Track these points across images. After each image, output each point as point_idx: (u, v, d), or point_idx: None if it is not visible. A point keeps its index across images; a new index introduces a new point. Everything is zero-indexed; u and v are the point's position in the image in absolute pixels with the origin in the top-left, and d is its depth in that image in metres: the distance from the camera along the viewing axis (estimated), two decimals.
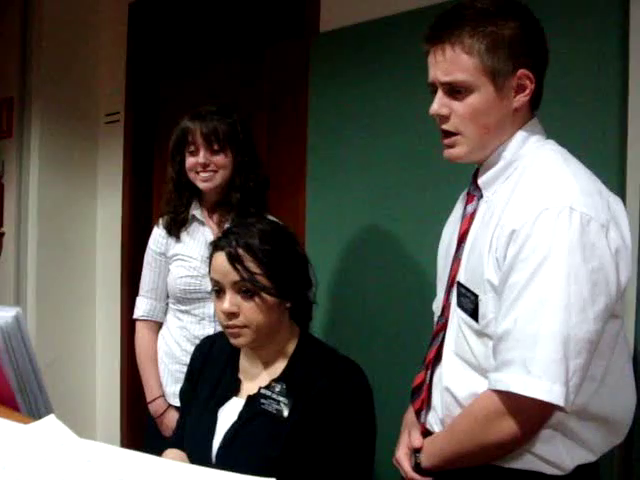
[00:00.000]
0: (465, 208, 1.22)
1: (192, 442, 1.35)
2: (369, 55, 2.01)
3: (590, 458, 1.10)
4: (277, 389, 1.29)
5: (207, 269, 1.71)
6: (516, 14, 1.10)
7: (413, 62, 1.84)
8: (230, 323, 1.29)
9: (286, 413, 1.26)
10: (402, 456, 1.23)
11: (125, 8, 2.88)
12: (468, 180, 1.25)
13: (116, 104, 2.92)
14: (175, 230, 1.80)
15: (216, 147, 1.73)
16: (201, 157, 1.73)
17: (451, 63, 1.09)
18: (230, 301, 1.28)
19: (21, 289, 2.86)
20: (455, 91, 1.11)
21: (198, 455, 1.32)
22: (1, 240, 2.96)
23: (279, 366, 1.33)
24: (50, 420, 0.72)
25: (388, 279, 1.96)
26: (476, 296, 1.11)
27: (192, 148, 1.75)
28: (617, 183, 1.48)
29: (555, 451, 1.08)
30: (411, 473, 1.19)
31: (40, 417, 0.81)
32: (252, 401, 1.30)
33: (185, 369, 1.67)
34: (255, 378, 1.35)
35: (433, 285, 1.35)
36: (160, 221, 1.85)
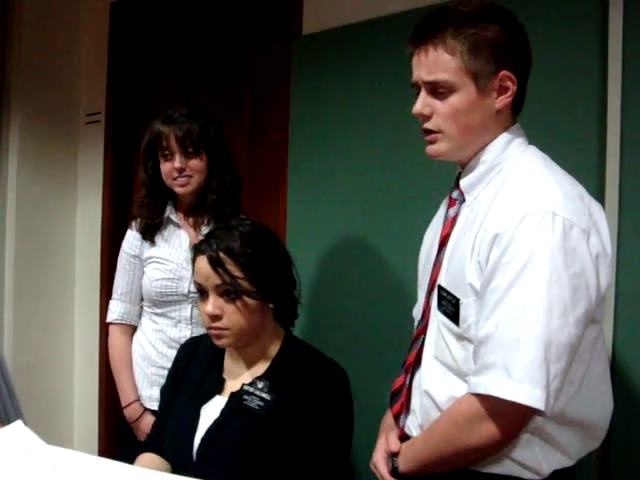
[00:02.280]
0: (447, 212, 1.22)
1: (174, 439, 1.36)
2: (351, 58, 2.02)
3: (567, 463, 1.10)
4: (260, 386, 1.31)
5: (183, 272, 1.73)
6: (499, 18, 1.11)
7: (395, 65, 1.85)
8: (213, 325, 1.31)
9: (267, 410, 1.27)
10: (379, 460, 1.22)
11: (107, 7, 2.86)
12: (450, 184, 1.25)
13: (97, 104, 2.89)
14: (150, 235, 1.78)
15: (190, 150, 1.71)
16: (177, 162, 1.70)
17: (434, 63, 1.11)
18: (213, 304, 1.30)
19: None
20: (437, 91, 1.12)
21: (179, 452, 1.33)
22: None
23: (263, 365, 1.35)
24: (17, 426, 0.70)
25: (369, 282, 1.96)
26: (457, 299, 1.11)
27: (166, 153, 1.72)
28: (595, 189, 1.49)
29: (532, 456, 1.08)
30: (388, 477, 1.19)
31: (9, 423, 0.79)
32: (235, 398, 1.32)
33: (162, 372, 1.67)
34: (239, 377, 1.36)
35: (413, 288, 1.35)
36: (133, 224, 1.82)
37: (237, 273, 1.28)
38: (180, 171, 1.71)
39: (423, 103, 1.14)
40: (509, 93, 1.12)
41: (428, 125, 1.14)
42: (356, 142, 2.00)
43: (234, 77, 2.48)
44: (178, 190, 1.74)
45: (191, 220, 1.80)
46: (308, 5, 2.17)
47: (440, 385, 1.14)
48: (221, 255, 1.28)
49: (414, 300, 1.37)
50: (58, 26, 2.88)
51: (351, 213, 2.01)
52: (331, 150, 2.06)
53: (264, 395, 1.29)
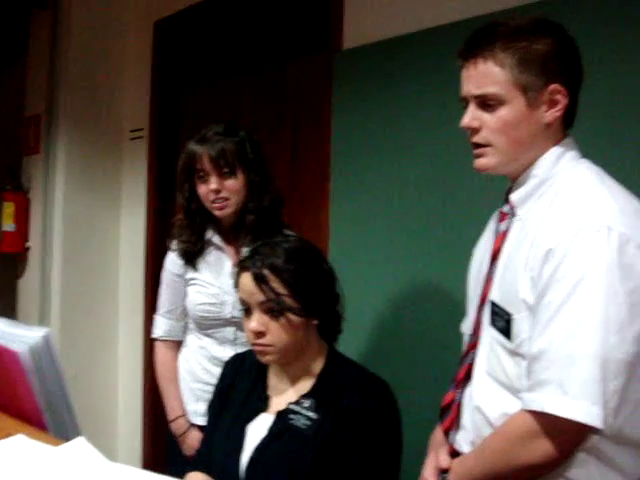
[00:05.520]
0: (498, 226, 1.21)
1: (221, 457, 1.36)
2: (392, 72, 2.01)
3: None
4: (306, 404, 1.30)
5: (225, 297, 1.71)
6: (549, 31, 1.11)
7: (436, 79, 1.86)
8: (257, 342, 1.31)
9: (314, 429, 1.26)
10: (429, 477, 1.21)
11: (150, 26, 2.93)
12: (495, 197, 1.24)
13: (140, 120, 2.96)
14: (191, 261, 1.74)
15: (226, 170, 1.65)
16: (212, 183, 1.65)
17: (483, 76, 1.11)
18: (257, 320, 1.29)
19: (45, 302, 2.88)
20: (487, 104, 1.12)
21: (226, 470, 1.32)
22: (27, 254, 3.00)
23: (307, 383, 1.34)
24: (79, 442, 0.72)
25: (414, 295, 1.94)
26: (509, 315, 1.09)
27: (201, 174, 1.67)
28: None
29: (588, 475, 1.05)
30: None
31: (68, 438, 0.81)
32: (281, 417, 1.31)
33: (207, 388, 1.67)
34: (284, 394, 1.36)
35: (460, 303, 1.33)
36: (173, 247, 1.78)
37: (281, 290, 1.27)
38: (216, 192, 1.65)
39: (472, 116, 1.13)
40: (559, 107, 1.11)
41: (477, 139, 1.14)
42: (399, 157, 1.99)
43: (275, 92, 2.50)
44: (217, 214, 1.69)
45: (232, 241, 1.76)
46: (348, 19, 2.18)
47: (492, 401, 1.13)
48: (265, 272, 1.28)
49: (461, 315, 1.35)
50: (103, 45, 2.97)
51: (395, 228, 2.00)
52: (374, 165, 2.06)
53: (310, 414, 1.28)
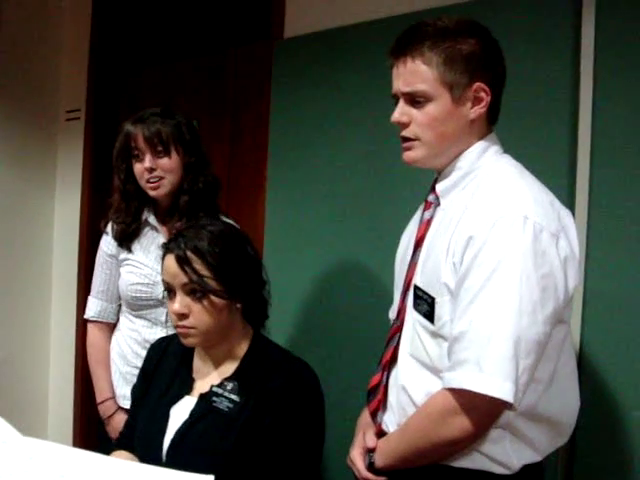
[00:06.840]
0: (422, 214, 1.26)
1: (143, 440, 1.36)
2: (332, 62, 2.04)
3: (536, 458, 1.14)
4: (229, 387, 1.31)
5: (158, 277, 1.69)
6: (474, 33, 1.16)
7: (376, 70, 1.89)
8: (180, 324, 1.30)
9: (237, 411, 1.27)
10: (356, 456, 1.25)
11: (89, 2, 2.84)
12: (425, 189, 1.28)
13: (77, 101, 2.87)
14: (126, 243, 1.75)
15: (160, 149, 1.67)
16: (147, 162, 1.67)
17: (411, 74, 1.15)
18: (180, 302, 1.29)
19: None
20: (415, 101, 1.16)
21: (148, 453, 1.32)
22: None
23: (231, 366, 1.35)
24: None
25: (345, 283, 1.98)
26: (432, 298, 1.14)
27: (137, 153, 1.69)
28: (566, 195, 1.53)
29: (503, 451, 1.11)
30: (364, 472, 1.21)
31: None
32: (204, 399, 1.32)
33: (136, 372, 1.65)
34: (207, 377, 1.36)
35: (389, 289, 1.37)
36: (109, 230, 1.79)
37: (204, 272, 1.28)
38: (150, 171, 1.67)
39: (401, 112, 1.18)
40: (483, 104, 1.16)
41: (405, 133, 1.19)
42: (335, 146, 2.02)
43: (215, 78, 2.49)
44: (151, 193, 1.70)
45: (168, 223, 1.76)
46: (291, 8, 2.19)
47: (416, 382, 1.18)
48: (189, 254, 1.28)
49: (389, 301, 1.39)
50: (39, 21, 2.85)
51: (329, 216, 2.03)
52: (310, 154, 2.08)
53: (233, 397, 1.29)
